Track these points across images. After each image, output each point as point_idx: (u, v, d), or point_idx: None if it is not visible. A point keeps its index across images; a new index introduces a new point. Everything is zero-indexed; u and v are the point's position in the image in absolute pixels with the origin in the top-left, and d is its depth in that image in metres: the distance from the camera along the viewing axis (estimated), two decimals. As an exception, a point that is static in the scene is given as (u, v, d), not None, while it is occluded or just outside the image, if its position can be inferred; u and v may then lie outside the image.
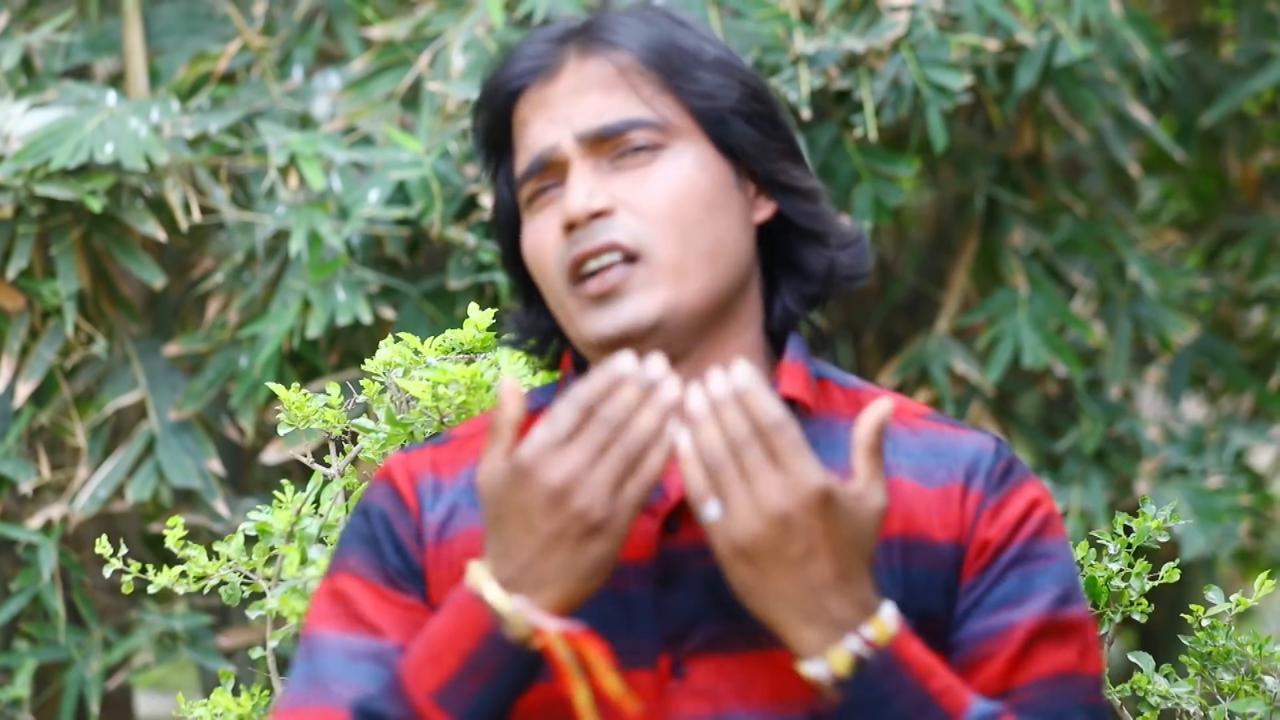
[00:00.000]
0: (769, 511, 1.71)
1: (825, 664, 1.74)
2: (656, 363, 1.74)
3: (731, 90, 1.91)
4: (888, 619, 1.76)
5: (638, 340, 1.87)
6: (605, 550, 1.75)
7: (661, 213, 1.87)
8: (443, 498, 1.94)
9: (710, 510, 1.72)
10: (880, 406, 1.75)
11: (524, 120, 1.92)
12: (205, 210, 3.97)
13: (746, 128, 1.91)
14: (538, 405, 1.99)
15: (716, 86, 1.91)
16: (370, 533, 1.93)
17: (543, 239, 1.91)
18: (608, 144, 1.89)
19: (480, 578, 1.77)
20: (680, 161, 1.89)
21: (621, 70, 1.90)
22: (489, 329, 2.47)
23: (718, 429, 1.72)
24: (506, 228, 1.98)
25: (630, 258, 1.87)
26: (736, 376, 1.72)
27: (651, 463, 1.73)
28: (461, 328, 2.49)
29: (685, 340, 1.89)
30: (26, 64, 4.06)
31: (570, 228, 1.88)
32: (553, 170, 1.90)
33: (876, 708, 1.74)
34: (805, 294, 1.97)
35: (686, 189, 1.88)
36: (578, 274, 1.88)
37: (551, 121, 1.90)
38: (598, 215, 1.87)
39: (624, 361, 1.73)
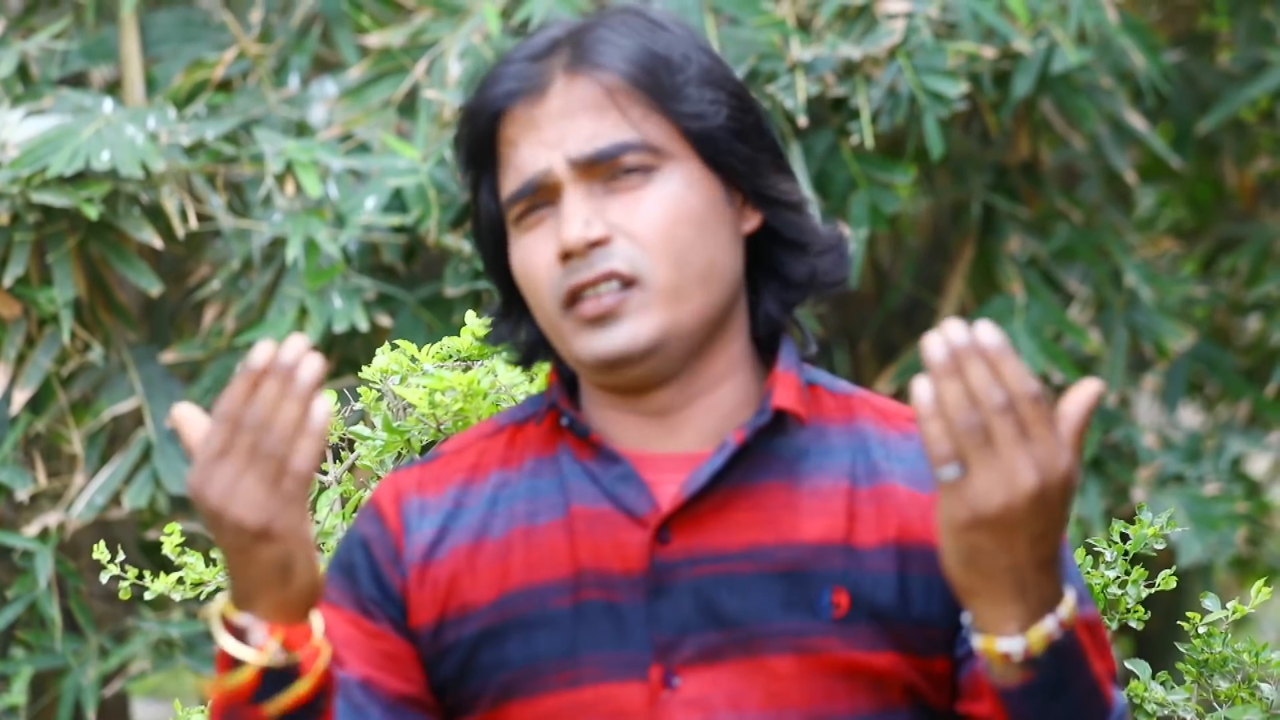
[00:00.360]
0: (1023, 487, 1.64)
1: (1024, 641, 1.70)
2: (293, 344, 1.69)
3: (721, 107, 1.90)
4: (1071, 598, 1.73)
5: (633, 362, 1.87)
6: (276, 553, 1.71)
7: (657, 238, 1.86)
8: (429, 518, 1.94)
9: (949, 471, 1.66)
10: (1092, 386, 1.68)
11: (511, 139, 1.90)
12: (202, 217, 3.97)
13: (737, 144, 1.90)
14: (525, 415, 1.99)
15: (707, 104, 1.89)
16: (349, 561, 1.94)
17: (535, 260, 1.89)
18: (600, 168, 1.88)
19: (213, 608, 1.77)
20: (672, 184, 1.88)
21: (610, 91, 1.89)
22: (486, 336, 2.47)
23: (963, 387, 1.65)
24: (490, 238, 1.96)
25: (628, 283, 1.86)
26: (984, 335, 1.65)
27: (301, 453, 1.69)
28: (458, 335, 2.49)
29: (679, 359, 1.89)
30: (23, 71, 4.06)
31: (567, 256, 1.87)
32: (544, 192, 1.89)
33: (1057, 690, 1.72)
34: (788, 300, 1.97)
35: (681, 212, 1.87)
36: (573, 300, 1.87)
37: (542, 144, 1.88)
38: (595, 245, 1.86)
39: (259, 354, 1.69)
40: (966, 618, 1.74)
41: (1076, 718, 1.75)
